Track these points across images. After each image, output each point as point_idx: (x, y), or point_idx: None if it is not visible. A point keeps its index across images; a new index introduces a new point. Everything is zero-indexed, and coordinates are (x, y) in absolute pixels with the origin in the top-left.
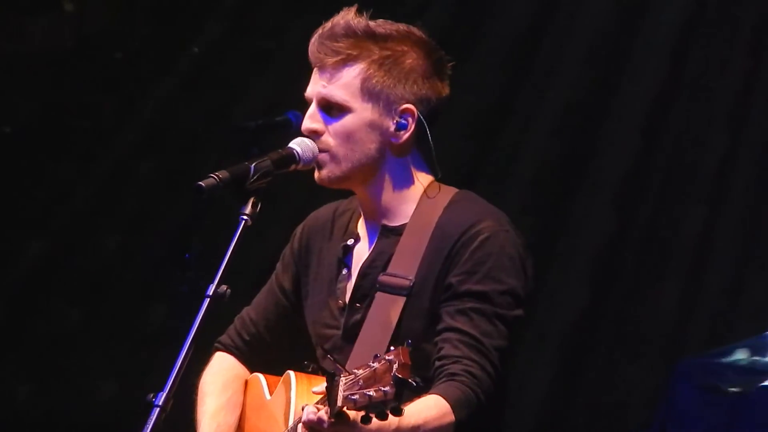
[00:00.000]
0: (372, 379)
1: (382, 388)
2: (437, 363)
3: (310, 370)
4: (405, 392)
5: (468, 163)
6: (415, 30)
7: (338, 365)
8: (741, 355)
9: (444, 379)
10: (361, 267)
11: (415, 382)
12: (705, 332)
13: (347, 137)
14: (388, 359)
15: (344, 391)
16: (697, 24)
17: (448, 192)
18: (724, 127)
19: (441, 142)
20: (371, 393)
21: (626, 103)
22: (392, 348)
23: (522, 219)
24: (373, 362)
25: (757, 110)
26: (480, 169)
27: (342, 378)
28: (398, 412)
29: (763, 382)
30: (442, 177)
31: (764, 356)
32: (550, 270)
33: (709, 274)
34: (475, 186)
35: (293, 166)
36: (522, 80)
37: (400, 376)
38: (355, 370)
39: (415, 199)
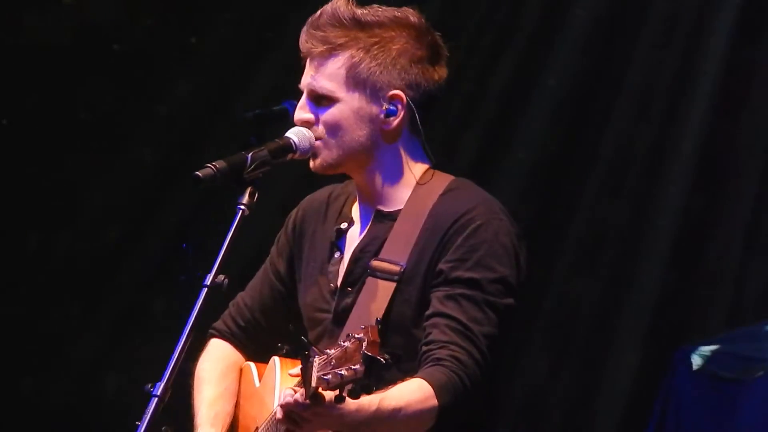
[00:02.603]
0: (343, 359)
1: (353, 367)
2: (424, 348)
3: (284, 352)
4: (390, 374)
5: (467, 152)
6: (409, 14)
7: (312, 347)
8: (741, 343)
9: (430, 363)
10: (353, 251)
11: (384, 359)
12: (705, 320)
13: (336, 127)
14: (358, 337)
15: (318, 371)
16: None
17: (444, 179)
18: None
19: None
20: (343, 372)
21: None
22: (362, 326)
23: (520, 207)
24: (344, 341)
25: None
26: (480, 158)
27: (316, 359)
28: (368, 390)
29: (762, 370)
30: (448, 165)
31: (764, 344)
32: (552, 260)
33: (707, 261)
34: (476, 175)
35: (290, 156)
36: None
37: (368, 353)
38: (328, 351)
39: (410, 185)
